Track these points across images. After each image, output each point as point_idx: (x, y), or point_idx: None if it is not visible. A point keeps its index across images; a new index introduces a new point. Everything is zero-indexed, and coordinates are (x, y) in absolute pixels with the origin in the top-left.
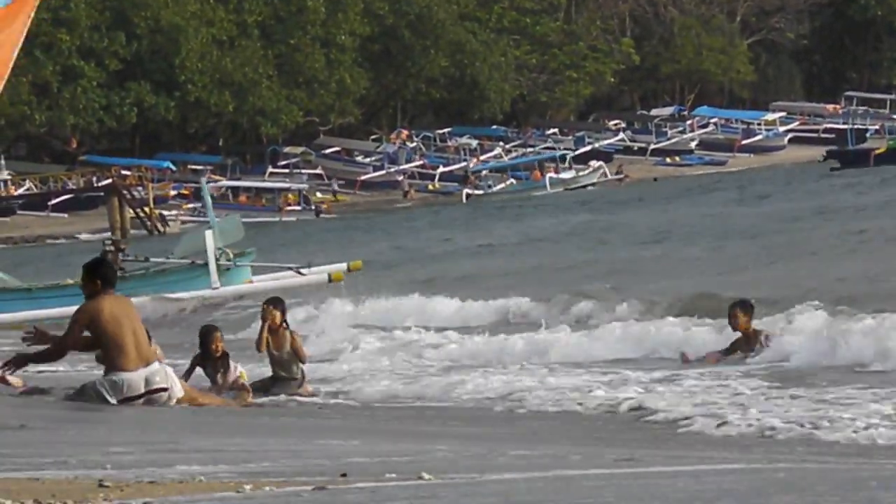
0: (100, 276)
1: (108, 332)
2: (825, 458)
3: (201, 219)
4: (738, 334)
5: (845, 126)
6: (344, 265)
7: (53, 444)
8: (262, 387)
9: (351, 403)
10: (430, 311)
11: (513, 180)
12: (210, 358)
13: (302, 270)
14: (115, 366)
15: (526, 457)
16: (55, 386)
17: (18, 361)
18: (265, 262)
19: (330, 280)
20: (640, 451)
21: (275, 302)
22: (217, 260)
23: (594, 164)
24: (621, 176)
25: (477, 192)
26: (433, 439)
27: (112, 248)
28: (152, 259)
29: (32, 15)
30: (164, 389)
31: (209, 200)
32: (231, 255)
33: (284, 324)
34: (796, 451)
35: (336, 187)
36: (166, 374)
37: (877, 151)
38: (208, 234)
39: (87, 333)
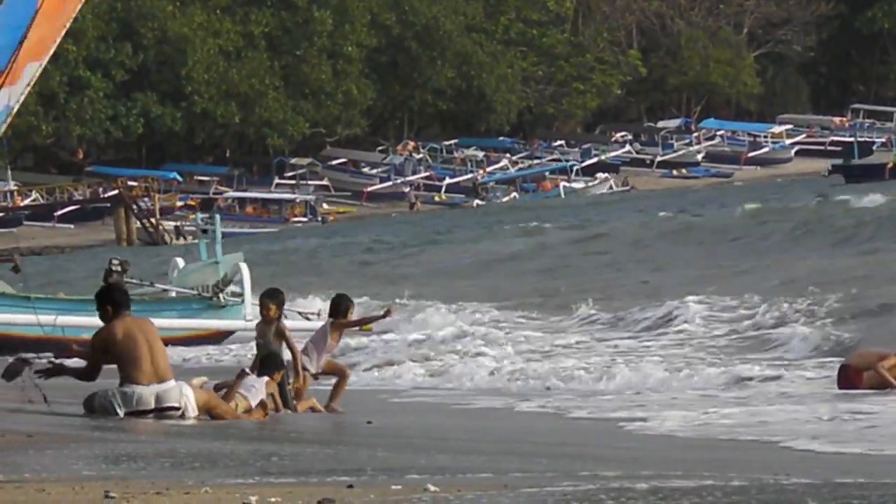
0: (110, 301)
1: (122, 349)
2: None
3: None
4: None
5: (852, 139)
6: None
7: (60, 454)
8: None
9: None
10: None
11: (515, 194)
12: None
13: (310, 316)
14: (129, 378)
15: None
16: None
17: (52, 371)
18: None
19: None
20: None
21: (271, 294)
22: (218, 294)
23: (601, 175)
24: (627, 188)
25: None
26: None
27: (119, 268)
28: (157, 285)
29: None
30: (176, 409)
31: (220, 235)
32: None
33: (279, 316)
34: None
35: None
36: (181, 393)
37: (889, 164)
38: (244, 265)
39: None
